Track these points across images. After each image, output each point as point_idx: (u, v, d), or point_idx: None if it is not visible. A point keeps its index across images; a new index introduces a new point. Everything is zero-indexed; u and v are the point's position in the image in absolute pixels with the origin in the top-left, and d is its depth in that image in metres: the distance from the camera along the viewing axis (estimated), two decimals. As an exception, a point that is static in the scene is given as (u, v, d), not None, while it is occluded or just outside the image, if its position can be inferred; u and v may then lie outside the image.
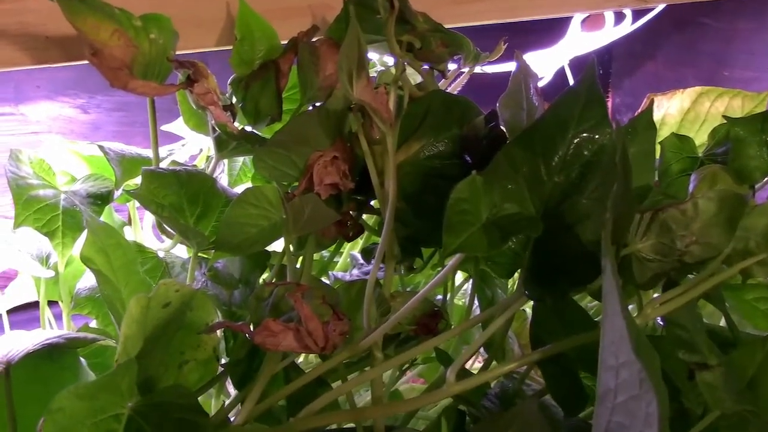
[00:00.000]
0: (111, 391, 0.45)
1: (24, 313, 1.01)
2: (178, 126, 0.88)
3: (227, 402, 0.58)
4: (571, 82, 1.39)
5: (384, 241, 0.54)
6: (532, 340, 0.52)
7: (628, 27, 1.38)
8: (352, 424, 0.52)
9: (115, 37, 0.56)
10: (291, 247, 0.58)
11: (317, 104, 0.66)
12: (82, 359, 0.64)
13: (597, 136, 0.49)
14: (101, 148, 0.72)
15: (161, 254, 0.74)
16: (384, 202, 0.55)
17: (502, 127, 0.59)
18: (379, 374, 0.51)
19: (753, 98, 0.90)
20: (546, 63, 1.37)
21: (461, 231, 0.47)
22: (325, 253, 0.77)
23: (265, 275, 0.67)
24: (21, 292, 0.90)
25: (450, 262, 0.56)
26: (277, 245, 0.63)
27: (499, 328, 0.51)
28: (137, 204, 0.84)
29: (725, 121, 0.73)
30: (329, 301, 0.51)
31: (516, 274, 0.79)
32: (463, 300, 0.86)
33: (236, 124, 0.67)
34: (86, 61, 0.68)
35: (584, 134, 0.49)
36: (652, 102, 0.60)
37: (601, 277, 0.49)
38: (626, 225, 0.46)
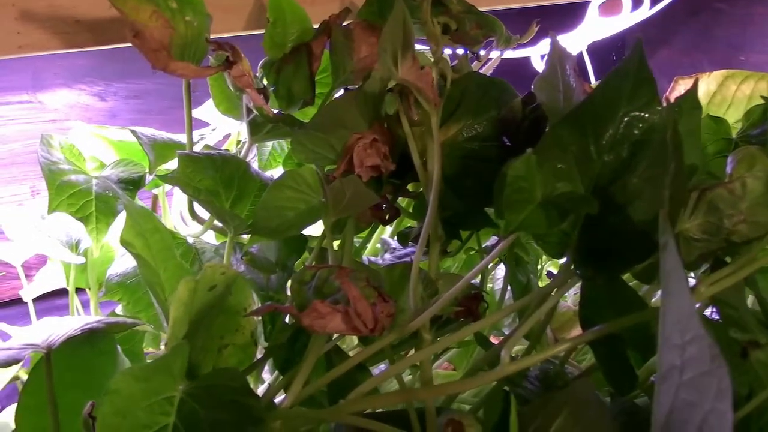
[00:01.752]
0: (164, 373, 0.44)
1: (44, 302, 1.01)
2: (201, 112, 0.87)
3: (266, 386, 0.57)
4: (589, 67, 1.39)
5: (428, 222, 0.53)
6: (581, 320, 0.51)
7: (645, 12, 1.37)
8: (400, 407, 0.52)
9: (153, 18, 0.56)
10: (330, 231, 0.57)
11: (350, 87, 0.66)
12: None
13: (647, 115, 0.48)
14: (134, 132, 0.71)
15: (191, 240, 0.73)
16: (428, 184, 0.55)
17: (541, 109, 0.59)
18: (428, 356, 0.50)
19: (779, 81, 0.90)
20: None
21: (521, 209, 0.46)
22: (356, 240, 0.76)
23: (302, 259, 0.67)
24: (50, 280, 0.90)
25: (493, 244, 0.56)
26: (312, 230, 0.63)
27: (548, 311, 0.51)
28: (167, 189, 0.84)
29: (755, 104, 0.73)
30: (373, 284, 0.51)
31: (544, 258, 0.79)
32: (490, 285, 0.85)
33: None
34: (111, 46, 0.68)
35: (634, 113, 0.48)
36: (696, 82, 0.59)
37: (653, 256, 0.49)
38: (681, 204, 0.46)
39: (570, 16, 1.39)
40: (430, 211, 0.53)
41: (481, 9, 0.85)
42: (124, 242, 0.56)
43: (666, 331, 0.39)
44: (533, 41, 1.29)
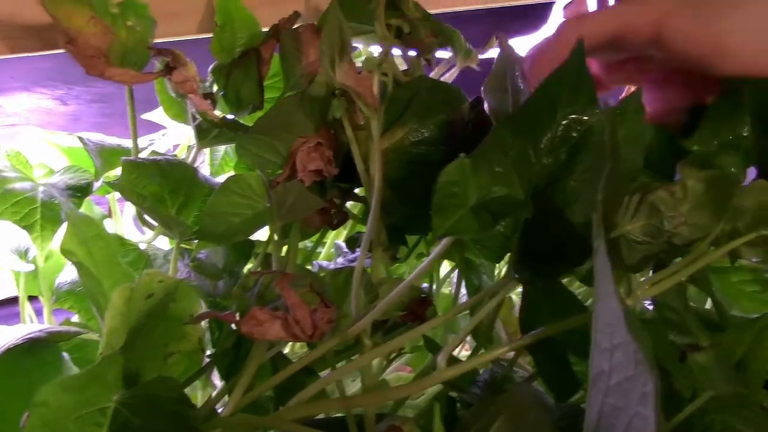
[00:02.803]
0: (97, 384, 0.44)
1: (5, 309, 0.99)
2: (159, 115, 0.87)
3: (214, 393, 0.57)
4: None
5: (370, 227, 0.53)
6: (521, 324, 0.51)
7: (609, 13, 1.36)
8: (341, 414, 0.52)
9: (90, 24, 0.55)
10: (276, 236, 0.57)
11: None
12: (65, 354, 0.63)
13: (586, 117, 0.48)
14: (80, 139, 0.71)
15: (143, 246, 0.73)
16: (370, 189, 0.55)
17: (486, 112, 0.59)
18: (368, 361, 0.50)
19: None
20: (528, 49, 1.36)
21: (451, 213, 0.46)
22: (309, 244, 0.76)
23: (249, 265, 0.66)
24: (1, 288, 0.89)
25: (436, 248, 0.55)
26: (261, 235, 0.63)
27: (487, 314, 0.50)
28: (117, 196, 0.83)
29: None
30: (316, 289, 0.50)
31: (502, 262, 0.79)
32: (450, 289, 0.85)
33: (217, 112, 0.66)
34: (64, 50, 0.67)
35: (573, 115, 0.48)
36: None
37: (591, 260, 0.49)
38: (616, 206, 0.46)
39: (535, 16, 1.39)
40: (371, 215, 0.53)
41: (440, 10, 0.85)
42: (65, 251, 0.55)
43: (597, 335, 0.39)
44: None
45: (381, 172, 0.54)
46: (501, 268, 0.85)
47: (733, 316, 0.64)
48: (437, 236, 0.46)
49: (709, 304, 0.79)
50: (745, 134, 0.55)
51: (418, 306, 0.57)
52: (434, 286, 0.74)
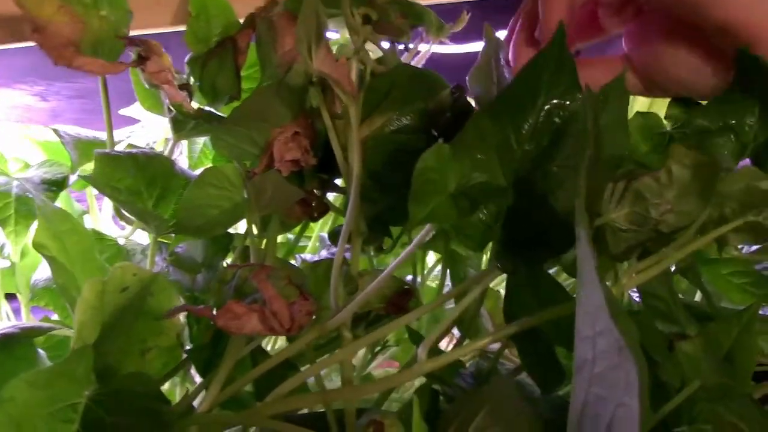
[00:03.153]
0: (66, 379, 0.42)
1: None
2: (138, 110, 0.85)
3: (191, 389, 0.56)
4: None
5: (349, 217, 0.52)
6: (505, 314, 0.50)
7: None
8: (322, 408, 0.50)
9: (60, 13, 0.54)
10: (254, 228, 0.56)
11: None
12: (41, 351, 0.61)
13: (568, 102, 0.47)
14: (56, 131, 0.69)
15: (121, 241, 0.71)
16: (348, 178, 0.53)
17: (468, 99, 0.58)
18: (348, 355, 0.49)
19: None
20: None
21: (428, 200, 0.45)
22: (291, 236, 0.75)
23: (229, 258, 0.65)
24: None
25: (417, 237, 0.54)
26: (242, 227, 0.61)
27: (471, 305, 0.49)
28: (96, 191, 0.82)
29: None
30: (295, 282, 0.49)
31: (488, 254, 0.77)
32: (436, 282, 0.84)
33: (194, 103, 0.64)
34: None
35: (554, 100, 0.47)
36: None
37: (576, 248, 0.48)
38: (599, 193, 0.45)
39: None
40: (350, 205, 0.52)
41: (427, 3, 0.84)
42: (37, 245, 0.54)
43: (579, 324, 0.38)
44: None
45: (359, 161, 0.52)
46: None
47: (722, 308, 0.63)
48: (414, 224, 0.45)
49: (698, 297, 0.79)
50: (750, 124, 0.54)
51: (401, 298, 0.56)
52: (419, 279, 0.73)
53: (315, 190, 0.60)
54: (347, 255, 0.55)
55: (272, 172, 0.54)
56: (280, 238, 0.73)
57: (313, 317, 0.48)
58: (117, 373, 0.50)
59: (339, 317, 0.48)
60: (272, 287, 0.46)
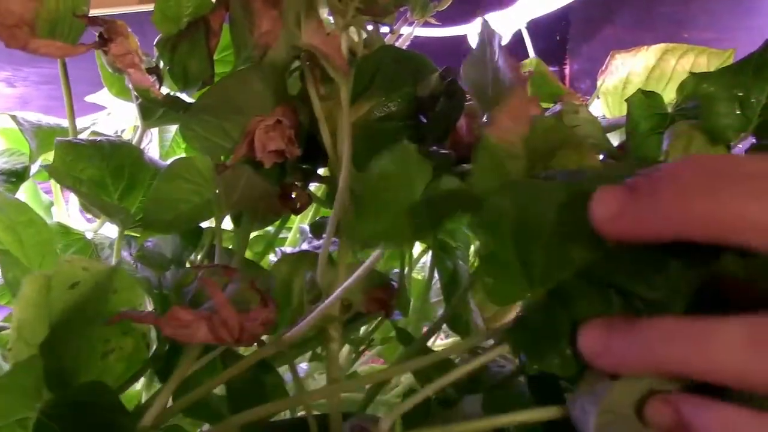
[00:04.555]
0: (13, 393, 0.38)
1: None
2: (105, 96, 0.81)
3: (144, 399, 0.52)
4: (529, 45, 1.35)
5: (338, 207, 0.48)
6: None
7: (585, -11, 1.33)
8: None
9: (10, -12, 0.49)
10: (222, 226, 0.51)
11: (254, 63, 0.60)
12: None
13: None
14: (13, 118, 0.65)
15: (89, 235, 0.67)
16: (336, 166, 0.49)
17: (458, 83, 0.54)
18: (334, 352, 0.45)
19: (719, 55, 0.87)
20: (502, 25, 1.32)
21: (381, 215, 0.41)
22: (271, 228, 0.71)
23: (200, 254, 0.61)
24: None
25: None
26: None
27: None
28: (59, 181, 0.77)
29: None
30: (257, 286, 0.45)
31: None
32: (423, 274, 0.81)
33: (164, 89, 0.60)
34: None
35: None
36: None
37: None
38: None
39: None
40: (339, 194, 0.48)
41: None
42: (-11, 238, 0.50)
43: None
44: (469, 19, 1.25)
45: (349, 147, 0.48)
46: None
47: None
48: (360, 245, 0.41)
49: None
50: (757, 99, 0.54)
51: (383, 294, 0.53)
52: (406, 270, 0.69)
53: (296, 182, 0.56)
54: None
55: (244, 166, 0.49)
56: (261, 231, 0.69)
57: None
58: (73, 379, 0.46)
59: (297, 329, 0.44)
60: (222, 294, 0.42)
